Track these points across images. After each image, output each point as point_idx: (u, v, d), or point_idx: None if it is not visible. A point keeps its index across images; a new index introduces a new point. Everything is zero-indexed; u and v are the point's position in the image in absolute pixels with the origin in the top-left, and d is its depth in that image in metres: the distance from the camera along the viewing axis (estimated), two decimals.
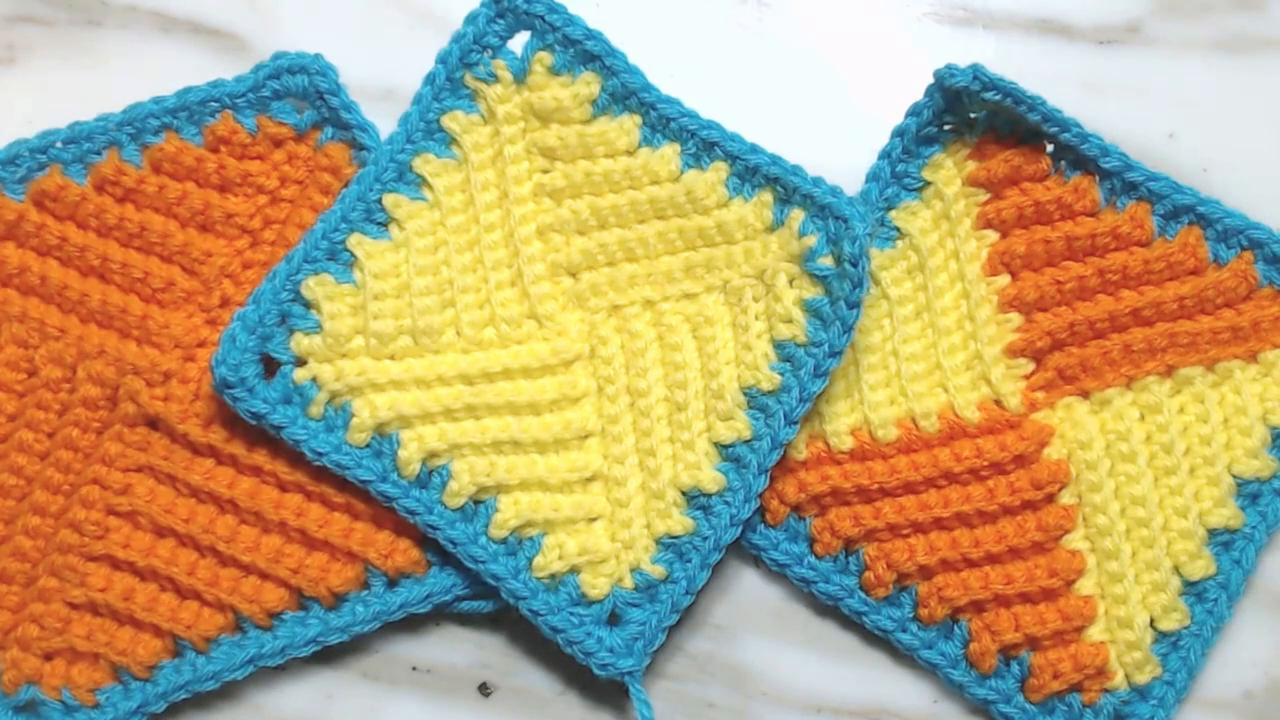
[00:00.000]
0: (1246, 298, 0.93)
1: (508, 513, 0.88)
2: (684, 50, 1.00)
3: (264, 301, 0.88)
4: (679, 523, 0.89)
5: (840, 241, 0.87)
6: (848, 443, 0.91)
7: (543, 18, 0.91)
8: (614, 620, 0.89)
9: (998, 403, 0.92)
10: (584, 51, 0.91)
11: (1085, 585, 0.90)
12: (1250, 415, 0.91)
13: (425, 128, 0.92)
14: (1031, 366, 0.93)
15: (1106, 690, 0.90)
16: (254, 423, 0.88)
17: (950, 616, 0.91)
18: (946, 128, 0.94)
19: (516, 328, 0.91)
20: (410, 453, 0.88)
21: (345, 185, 0.92)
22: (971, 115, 0.93)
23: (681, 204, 0.91)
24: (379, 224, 0.91)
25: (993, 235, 0.93)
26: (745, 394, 0.90)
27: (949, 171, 0.94)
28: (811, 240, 0.88)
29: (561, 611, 0.88)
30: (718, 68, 1.01)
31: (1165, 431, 0.91)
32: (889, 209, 0.94)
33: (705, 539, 0.88)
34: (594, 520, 0.90)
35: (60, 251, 0.91)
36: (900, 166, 0.94)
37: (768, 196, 0.90)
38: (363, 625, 0.89)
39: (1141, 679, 0.89)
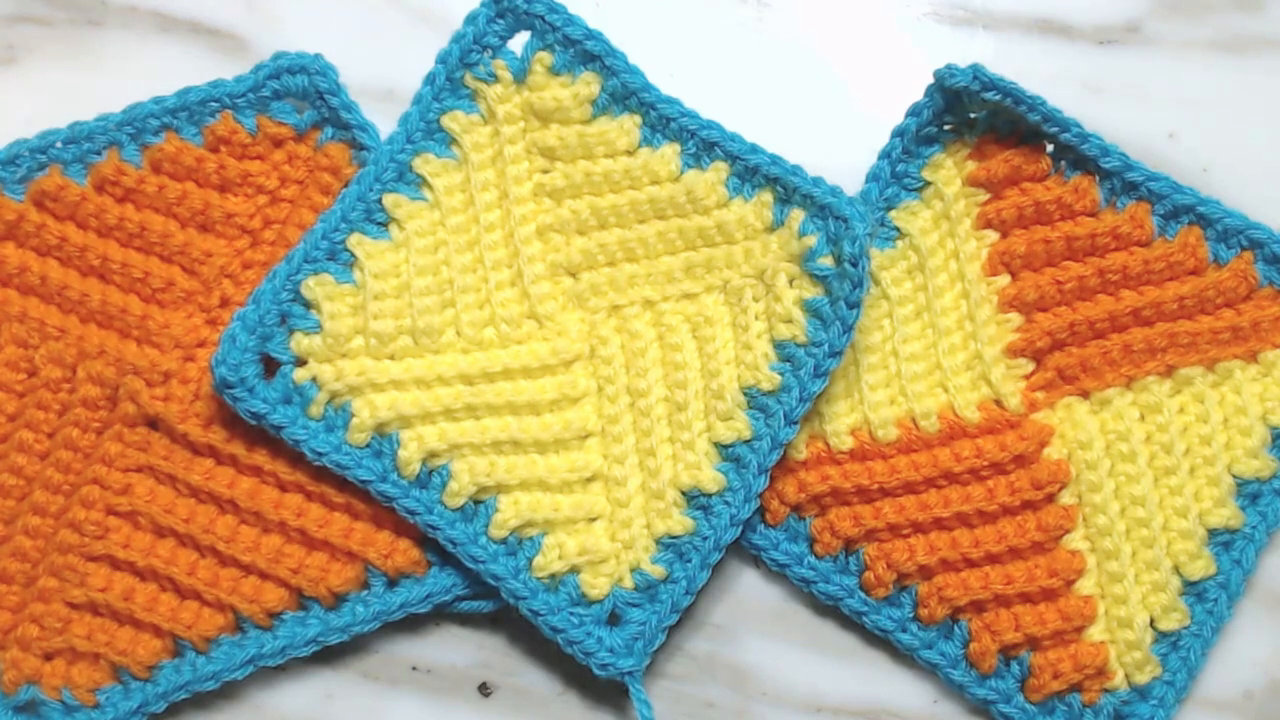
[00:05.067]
0: (1246, 298, 0.93)
1: (508, 513, 0.88)
2: (684, 50, 1.00)
3: (264, 301, 0.88)
4: (679, 523, 0.89)
5: (840, 241, 0.87)
6: (848, 443, 0.91)
7: (543, 18, 0.91)
8: (614, 620, 0.89)
9: (998, 403, 0.92)
10: (584, 51, 0.91)
11: (1085, 585, 0.90)
12: (1250, 415, 0.91)
13: (425, 128, 0.92)
14: (1031, 366, 0.93)
15: (1106, 690, 0.90)
16: (254, 423, 0.88)
17: (950, 616, 0.91)
18: (946, 128, 0.94)
19: (516, 328, 0.91)
20: (410, 453, 0.88)
21: (345, 185, 0.92)
22: (971, 115, 0.93)
23: (681, 204, 0.91)
24: (379, 224, 0.91)
25: (993, 235, 0.93)
26: (745, 394, 0.90)
27: (949, 171, 0.94)
28: (811, 240, 0.88)
29: (561, 611, 0.88)
30: (718, 68, 1.01)
31: (1165, 431, 0.91)
32: (889, 209, 0.94)
33: (705, 539, 0.88)
34: (594, 520, 0.90)
35: (60, 251, 0.91)
36: (900, 166, 0.94)
37: (768, 196, 0.90)
38: (363, 625, 0.89)
39: (1141, 679, 0.89)
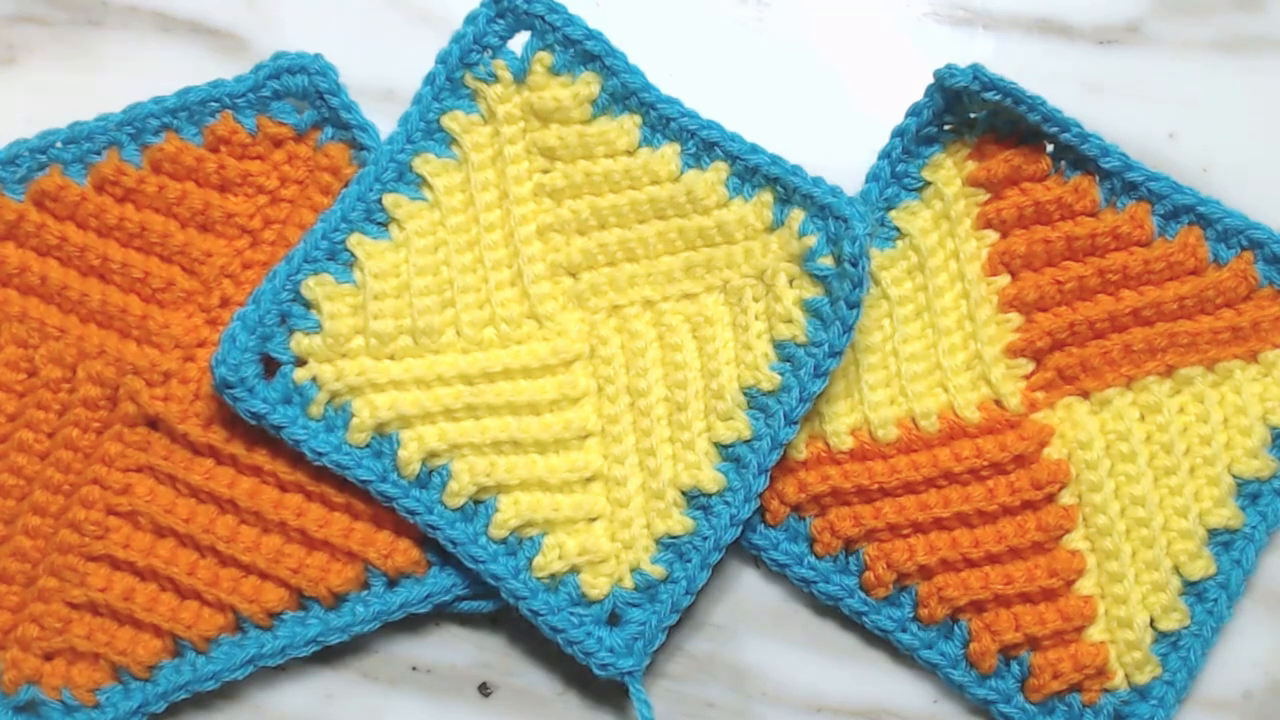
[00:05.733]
0: (1246, 298, 0.93)
1: (508, 513, 0.88)
2: (684, 50, 1.00)
3: (264, 301, 0.88)
4: (679, 523, 0.89)
5: (840, 241, 0.87)
6: (848, 443, 0.91)
7: (543, 18, 0.91)
8: (614, 620, 0.89)
9: (998, 403, 0.92)
10: (584, 51, 0.91)
11: (1085, 585, 0.90)
12: (1250, 415, 0.91)
13: (425, 128, 0.92)
14: (1031, 366, 0.93)
15: (1106, 690, 0.90)
16: (254, 423, 0.88)
17: (950, 616, 0.91)
18: (946, 128, 0.94)
19: (516, 328, 0.91)
20: (410, 453, 0.88)
21: (345, 185, 0.92)
22: (971, 115, 0.93)
23: (681, 204, 0.91)
24: (379, 224, 0.91)
25: (993, 235, 0.93)
26: (745, 394, 0.90)
27: (949, 171, 0.94)
28: (811, 240, 0.88)
29: (561, 611, 0.88)
30: (718, 68, 1.01)
31: (1165, 431, 0.91)
32: (889, 209, 0.94)
33: (705, 539, 0.88)
34: (594, 520, 0.90)
35: (60, 251, 0.91)
36: (900, 166, 0.94)
37: (768, 196, 0.90)
38: (363, 625, 0.89)
39: (1141, 679, 0.89)
